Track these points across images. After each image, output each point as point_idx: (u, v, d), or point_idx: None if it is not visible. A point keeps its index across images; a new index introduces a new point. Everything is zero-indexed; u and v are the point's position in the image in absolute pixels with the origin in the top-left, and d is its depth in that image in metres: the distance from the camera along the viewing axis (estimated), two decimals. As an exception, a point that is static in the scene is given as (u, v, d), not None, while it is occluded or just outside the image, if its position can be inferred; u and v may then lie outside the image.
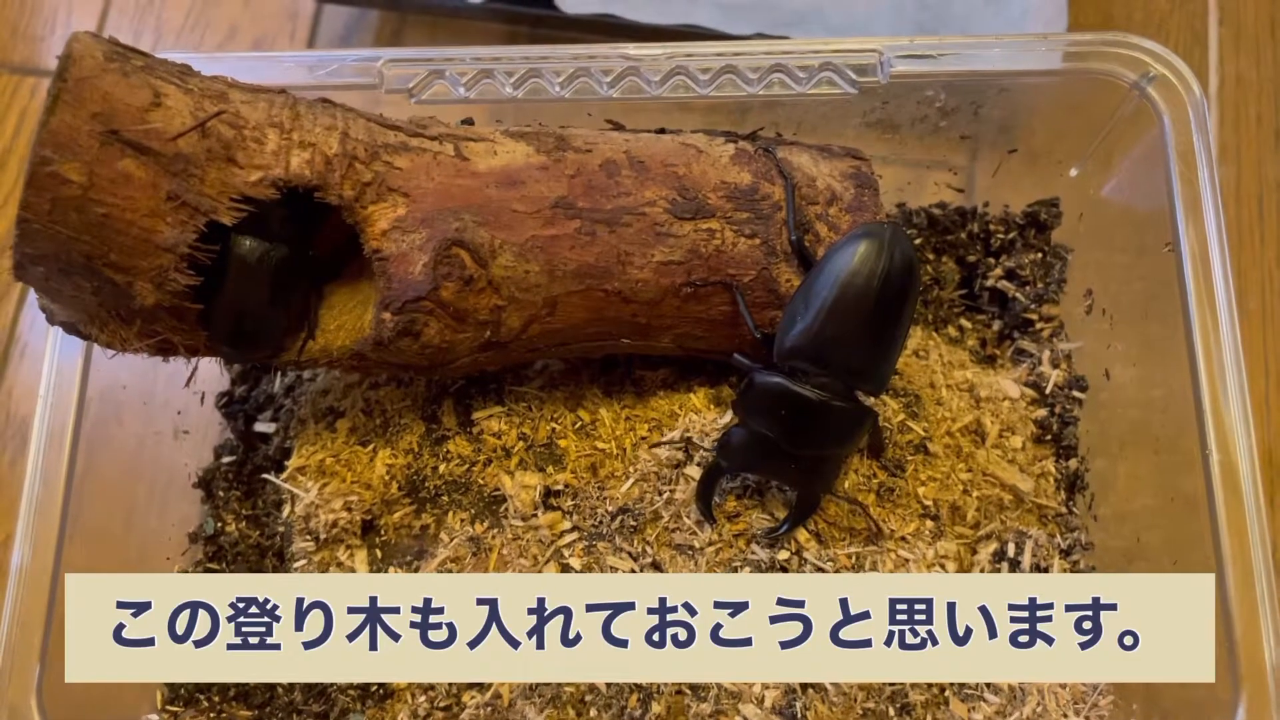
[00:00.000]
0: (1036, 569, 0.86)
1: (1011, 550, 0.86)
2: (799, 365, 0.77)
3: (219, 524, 0.92)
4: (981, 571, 0.85)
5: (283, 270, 0.75)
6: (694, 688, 0.82)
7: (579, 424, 0.88)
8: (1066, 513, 0.90)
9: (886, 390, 0.85)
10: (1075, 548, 0.88)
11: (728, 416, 0.86)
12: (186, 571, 0.91)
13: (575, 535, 0.85)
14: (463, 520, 0.85)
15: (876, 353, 0.78)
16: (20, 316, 1.14)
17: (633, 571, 0.83)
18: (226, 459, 0.96)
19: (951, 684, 0.83)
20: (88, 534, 0.84)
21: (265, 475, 0.91)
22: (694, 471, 0.84)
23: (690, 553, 0.83)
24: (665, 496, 0.84)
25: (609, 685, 0.82)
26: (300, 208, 0.74)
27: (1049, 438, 0.92)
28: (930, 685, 0.83)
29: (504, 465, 0.86)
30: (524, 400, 0.89)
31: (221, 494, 0.93)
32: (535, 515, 0.85)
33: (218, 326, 0.75)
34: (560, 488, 0.85)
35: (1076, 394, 0.93)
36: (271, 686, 0.86)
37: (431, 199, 0.75)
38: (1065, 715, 0.83)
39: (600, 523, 0.84)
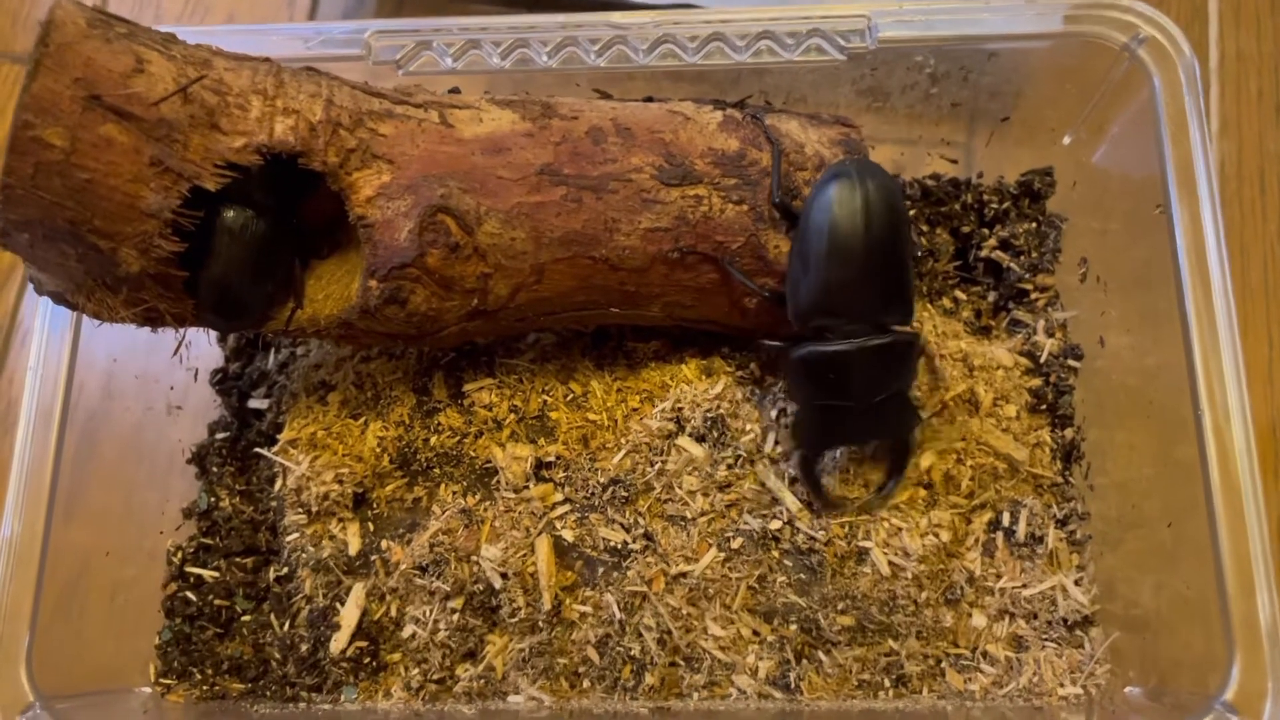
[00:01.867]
0: (1032, 539, 0.85)
1: (1006, 520, 0.85)
2: (821, 324, 0.77)
3: (213, 499, 0.92)
4: (976, 541, 0.84)
5: (267, 238, 0.75)
6: (688, 659, 0.82)
7: (570, 396, 0.87)
8: (1063, 482, 0.89)
9: (913, 315, 0.83)
10: (1071, 517, 0.87)
11: (719, 387, 0.85)
12: (181, 547, 0.91)
13: (567, 507, 0.85)
14: (455, 492, 0.85)
15: (888, 281, 0.77)
16: (21, 303, 1.15)
17: (624, 543, 0.83)
18: (220, 435, 0.96)
19: (947, 654, 0.82)
20: (85, 510, 0.84)
21: (258, 449, 0.91)
22: (685, 442, 0.84)
23: (682, 523, 0.83)
24: (657, 468, 0.84)
25: (602, 657, 0.82)
26: (285, 176, 0.74)
27: (1044, 407, 0.91)
28: (926, 656, 0.82)
29: (495, 437, 0.86)
30: (515, 372, 0.88)
31: (215, 470, 0.93)
32: (527, 487, 0.84)
33: (204, 294, 0.75)
34: (552, 459, 0.85)
35: (1072, 363, 0.92)
36: (265, 660, 0.86)
37: (416, 166, 0.75)
38: (1061, 684, 0.82)
39: (592, 494, 0.84)
